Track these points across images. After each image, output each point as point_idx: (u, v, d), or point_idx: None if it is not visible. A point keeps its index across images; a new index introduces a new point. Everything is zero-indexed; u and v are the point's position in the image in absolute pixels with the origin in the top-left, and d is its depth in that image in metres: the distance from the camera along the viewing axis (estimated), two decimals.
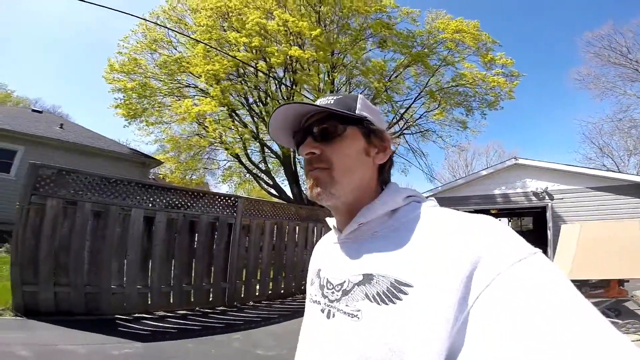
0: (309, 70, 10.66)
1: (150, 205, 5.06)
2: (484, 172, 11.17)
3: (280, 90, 12.18)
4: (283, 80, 11.84)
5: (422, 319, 0.45)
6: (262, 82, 11.90)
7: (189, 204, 5.54)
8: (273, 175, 14.68)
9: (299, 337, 0.71)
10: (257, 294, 6.41)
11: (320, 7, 12.08)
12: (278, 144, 9.89)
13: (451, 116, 14.09)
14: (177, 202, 5.39)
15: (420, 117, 14.07)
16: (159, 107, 13.43)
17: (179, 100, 14.26)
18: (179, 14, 13.35)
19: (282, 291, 6.86)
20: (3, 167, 10.09)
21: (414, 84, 13.68)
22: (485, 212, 12.20)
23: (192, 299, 5.47)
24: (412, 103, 13.75)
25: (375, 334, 0.49)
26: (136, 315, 4.87)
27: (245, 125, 12.05)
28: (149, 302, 5.06)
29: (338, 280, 0.62)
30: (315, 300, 0.66)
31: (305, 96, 12.10)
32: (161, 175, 16.53)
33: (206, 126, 10.66)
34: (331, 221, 0.72)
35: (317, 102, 0.68)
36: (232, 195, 6.92)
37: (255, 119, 12.88)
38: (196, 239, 5.61)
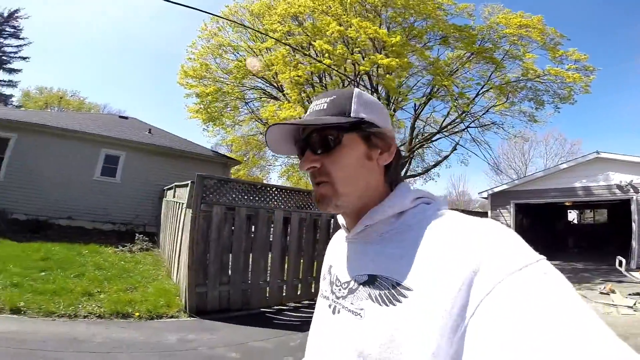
0: (389, 74, 10.59)
1: (287, 206, 5.27)
2: (564, 165, 10.67)
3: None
4: (362, 83, 11.84)
5: (419, 323, 0.45)
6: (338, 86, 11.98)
7: (312, 204, 5.72)
8: None
9: (310, 330, 0.71)
10: None
11: (386, 12, 11.99)
12: None
13: (515, 108, 13.52)
14: (303, 203, 5.57)
15: (486, 112, 13.57)
16: (233, 110, 13.89)
17: (246, 104, 14.81)
18: (238, 19, 13.66)
19: None
20: (110, 172, 10.79)
21: (479, 78, 13.21)
22: (561, 204, 11.70)
23: (313, 290, 5.69)
24: (475, 97, 13.31)
25: (375, 333, 0.49)
26: (275, 307, 5.12)
27: None
28: (284, 295, 5.32)
29: (345, 278, 0.62)
30: (325, 296, 0.66)
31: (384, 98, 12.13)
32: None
33: None
34: (341, 220, 0.70)
35: (311, 106, 0.65)
36: None
37: None
38: (317, 236, 5.83)
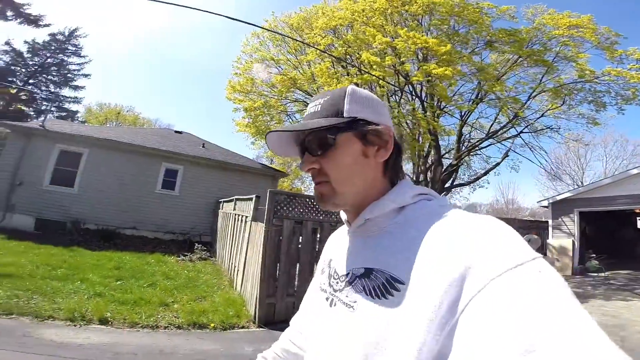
0: (441, 83, 10.34)
1: None
2: (635, 171, 9.67)
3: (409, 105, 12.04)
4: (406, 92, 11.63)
5: (407, 317, 0.45)
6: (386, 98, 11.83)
7: None
8: None
9: (306, 323, 0.73)
10: None
11: (429, 19, 11.74)
12: None
13: (572, 111, 12.58)
14: None
15: (540, 116, 12.76)
16: (278, 123, 14.11)
17: (288, 116, 15.03)
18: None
19: None
20: (169, 185, 11.30)
21: (531, 81, 12.47)
22: (630, 211, 10.63)
23: None
24: (527, 101, 12.54)
25: (365, 325, 0.50)
26: None
27: None
28: None
29: (344, 271, 0.61)
30: (323, 289, 0.66)
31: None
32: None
33: None
34: (343, 214, 0.70)
35: (308, 108, 0.65)
36: None
37: None
38: None
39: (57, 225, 9.68)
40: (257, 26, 11.49)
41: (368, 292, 0.53)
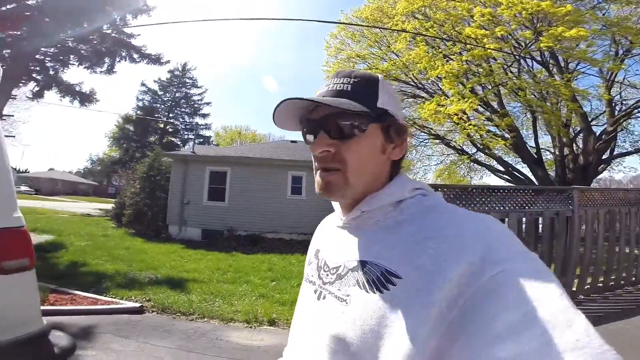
0: (573, 44, 8.51)
1: (503, 207, 4.46)
2: None
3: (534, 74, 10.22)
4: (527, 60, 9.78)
5: (404, 311, 0.43)
6: (498, 74, 10.24)
7: (531, 203, 4.69)
8: (505, 160, 12.84)
9: (293, 316, 0.68)
10: (587, 287, 5.12)
11: None
12: None
13: None
14: (523, 202, 4.64)
15: None
16: None
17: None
18: (355, 29, 13.35)
19: (611, 283, 5.39)
20: (297, 191, 12.14)
21: None
22: None
23: None
24: None
25: (359, 319, 0.47)
26: None
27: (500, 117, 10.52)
28: None
29: (334, 263, 0.58)
30: (311, 281, 0.63)
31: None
32: None
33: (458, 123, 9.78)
34: (336, 204, 0.66)
35: (329, 83, 0.58)
36: (567, 187, 5.70)
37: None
38: (540, 234, 4.89)
39: (217, 234, 11.45)
40: (352, 24, 11.29)
41: (362, 285, 0.50)
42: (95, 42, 10.82)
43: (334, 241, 0.63)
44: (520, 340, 0.34)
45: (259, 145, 19.02)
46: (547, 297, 0.36)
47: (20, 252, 2.11)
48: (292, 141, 17.35)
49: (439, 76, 10.30)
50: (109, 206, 17.17)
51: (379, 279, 0.48)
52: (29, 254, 2.15)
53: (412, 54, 11.12)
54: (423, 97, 13.17)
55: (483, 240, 0.43)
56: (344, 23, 12.92)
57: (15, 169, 40.24)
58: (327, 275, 0.58)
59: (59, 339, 2.30)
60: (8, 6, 9.05)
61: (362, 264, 0.52)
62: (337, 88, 0.56)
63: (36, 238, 8.50)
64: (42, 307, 3.66)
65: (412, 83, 13.29)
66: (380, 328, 0.44)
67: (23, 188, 34.35)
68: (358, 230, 0.58)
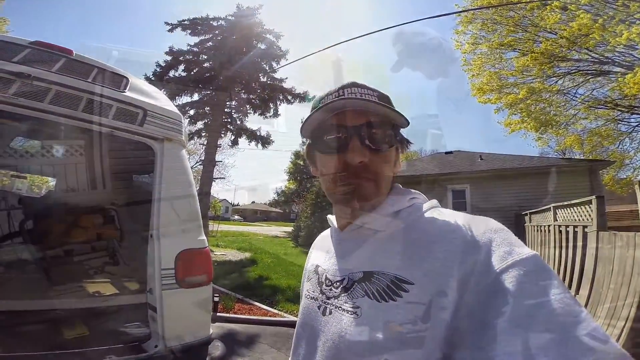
0: None
1: None
2: None
3: None
4: None
5: (420, 316, 0.42)
6: None
7: None
8: None
9: (294, 334, 0.62)
10: None
11: None
12: None
13: None
14: None
15: None
16: (558, 107, 10.78)
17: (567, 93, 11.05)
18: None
19: None
20: (460, 206, 10.52)
21: None
22: None
23: None
24: None
25: (374, 329, 0.45)
26: None
27: None
28: None
29: (338, 277, 0.56)
30: (313, 297, 0.59)
31: None
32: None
33: None
34: (332, 218, 0.66)
35: (348, 91, 0.55)
36: None
37: None
38: None
39: None
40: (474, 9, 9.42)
41: (372, 295, 0.48)
42: (259, 90, 12.78)
43: (332, 255, 0.61)
44: (527, 335, 0.34)
45: (415, 161, 18.12)
46: (551, 294, 0.36)
47: (200, 270, 2.36)
48: (447, 152, 15.68)
49: (630, 42, 7.46)
50: (290, 229, 19.97)
51: (390, 287, 0.46)
52: (207, 271, 2.39)
53: (574, 25, 8.60)
54: (617, 72, 9.73)
55: (487, 240, 0.44)
56: (464, 10, 10.98)
57: (232, 203, 52.83)
58: (331, 289, 0.56)
59: (214, 348, 2.45)
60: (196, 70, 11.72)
61: (369, 274, 0.50)
62: (365, 97, 0.54)
63: (239, 255, 10.52)
64: (227, 315, 4.25)
65: (594, 59, 10.01)
66: (399, 336, 0.43)
67: (236, 217, 44.83)
68: (359, 241, 0.57)
